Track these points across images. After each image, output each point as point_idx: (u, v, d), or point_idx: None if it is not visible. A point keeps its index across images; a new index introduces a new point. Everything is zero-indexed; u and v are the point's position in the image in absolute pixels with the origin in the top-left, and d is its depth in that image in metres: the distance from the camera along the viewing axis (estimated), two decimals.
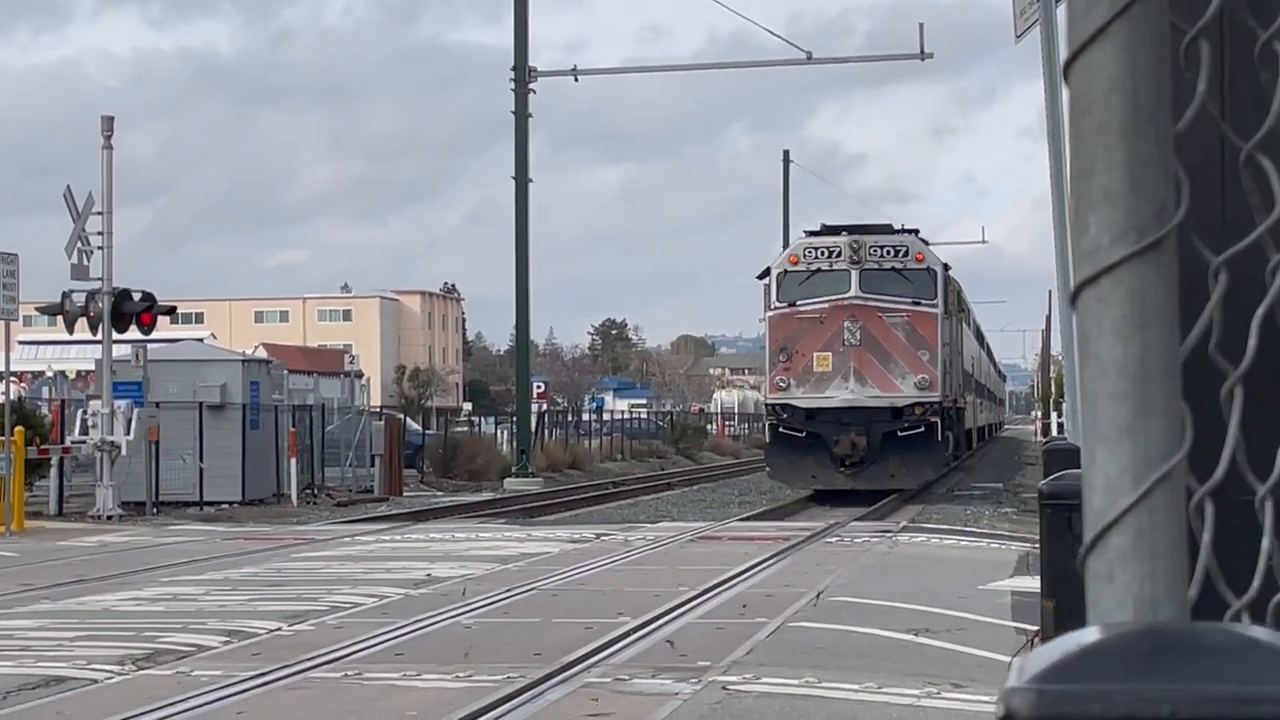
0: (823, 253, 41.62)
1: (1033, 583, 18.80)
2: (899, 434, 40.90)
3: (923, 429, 41.13)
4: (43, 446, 34.47)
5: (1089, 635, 1.39)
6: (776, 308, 41.85)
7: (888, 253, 41.64)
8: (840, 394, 40.79)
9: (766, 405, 43.23)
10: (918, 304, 41.37)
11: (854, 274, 41.03)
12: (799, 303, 41.36)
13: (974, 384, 58.40)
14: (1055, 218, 8.95)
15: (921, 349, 41.06)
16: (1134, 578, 1.44)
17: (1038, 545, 24.02)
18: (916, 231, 44.36)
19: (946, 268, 43.41)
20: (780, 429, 41.57)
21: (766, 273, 42.54)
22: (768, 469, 44.30)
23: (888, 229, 43.69)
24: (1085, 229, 1.42)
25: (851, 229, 42.79)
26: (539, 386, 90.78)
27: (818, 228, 43.56)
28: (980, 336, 70.26)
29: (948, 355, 43.06)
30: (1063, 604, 6.72)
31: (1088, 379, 1.47)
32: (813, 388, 40.96)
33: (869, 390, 40.76)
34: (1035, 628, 14.11)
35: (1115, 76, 1.41)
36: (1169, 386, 1.41)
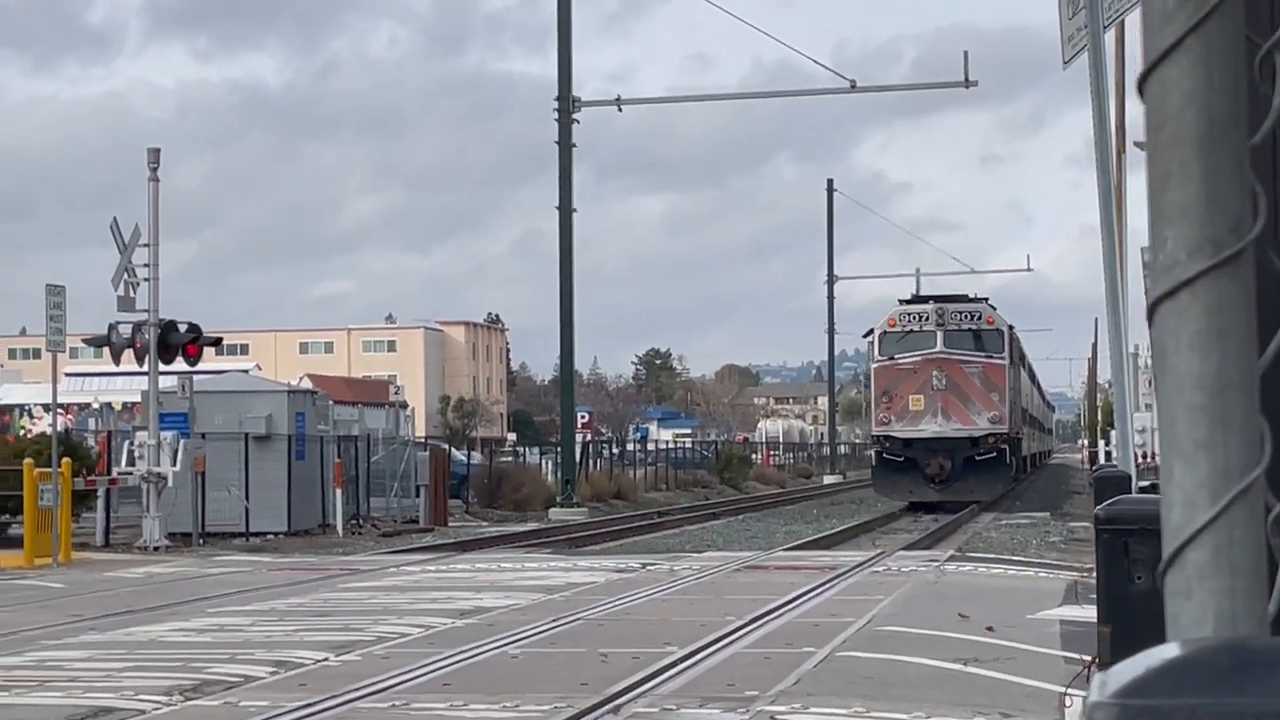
0: (914, 317, 53.90)
1: (1082, 612, 18.71)
2: (976, 458, 52.49)
3: (994, 454, 52.89)
4: (89, 478, 34.61)
5: (1169, 651, 1.38)
6: (879, 360, 54.22)
7: (965, 317, 53.77)
8: (930, 427, 52.57)
9: (872, 437, 56.08)
10: (990, 357, 53.23)
11: (939, 334, 53.10)
12: (896, 356, 53.27)
13: (1028, 417, 68.19)
14: (1105, 243, 8.91)
15: (993, 392, 53.01)
16: (1212, 594, 1.43)
17: (1085, 574, 23.93)
18: (987, 299, 56.25)
19: (1011, 328, 55.50)
20: (884, 455, 53.94)
21: (870, 332, 55.33)
22: (874, 486, 57.23)
23: (965, 298, 56.11)
24: (1162, 244, 1.42)
25: (936, 299, 55.61)
26: (583, 416, 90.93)
27: (912, 298, 56.59)
28: (1032, 374, 78.92)
29: (1012, 396, 54.64)
30: (1119, 628, 6.69)
31: (1165, 393, 1.46)
32: (909, 423, 52.76)
33: (953, 424, 52.57)
34: (1087, 656, 14.04)
35: (1190, 91, 1.41)
36: (1247, 400, 1.40)
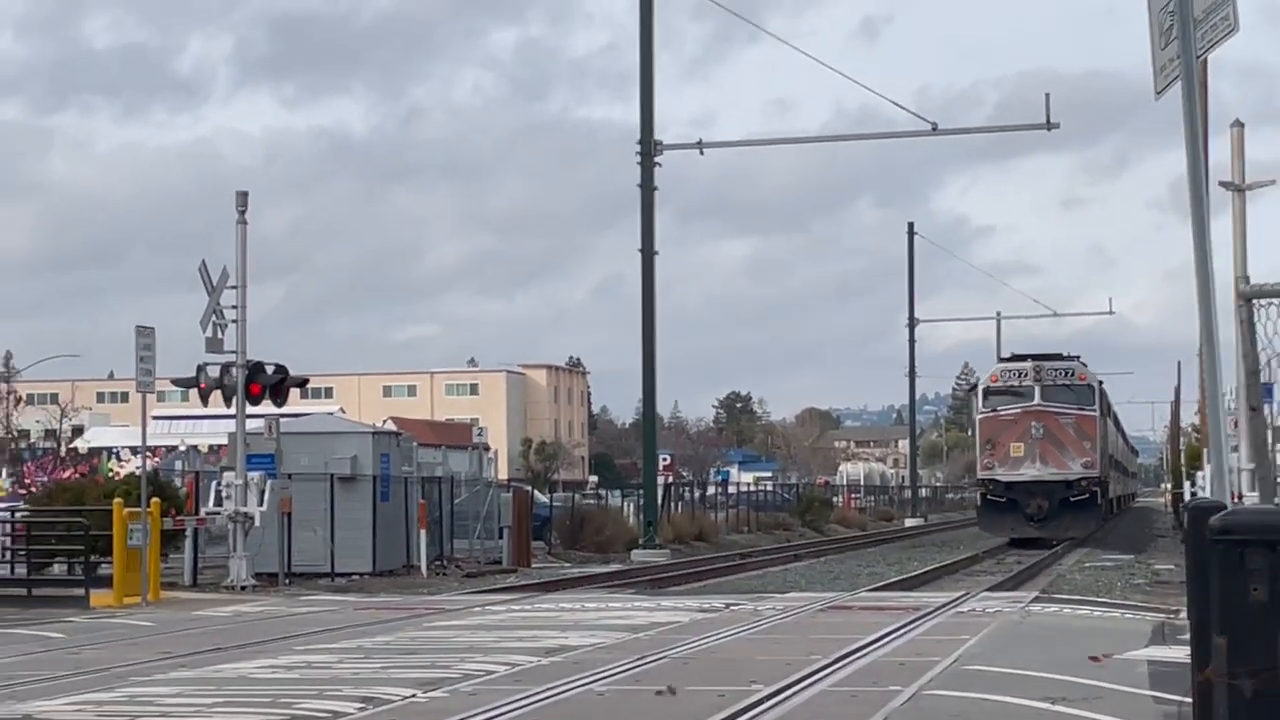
0: (1014, 374, 61.36)
1: (1170, 652, 18.59)
2: (1070, 499, 59.54)
3: (1086, 496, 59.98)
4: (178, 518, 34.89)
5: None
6: (983, 412, 61.65)
7: (1059, 374, 60.98)
8: (1030, 472, 59.52)
9: (979, 480, 62.49)
10: (1082, 409, 60.42)
11: (1037, 388, 60.30)
12: (999, 409, 60.60)
13: (1115, 462, 73.98)
14: (1199, 283, 8.87)
15: (1085, 440, 60.01)
16: None
17: (1173, 615, 23.75)
18: (1079, 357, 63.30)
19: (1100, 383, 63.09)
20: (988, 496, 60.98)
21: (974, 387, 66.68)
22: (979, 524, 64.89)
23: (1060, 356, 62.97)
24: None
25: (1034, 357, 62.35)
26: (665, 459, 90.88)
27: (1012, 356, 64.20)
28: (1117, 422, 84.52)
29: (1101, 444, 61.28)
30: (1236, 639, 6.68)
31: None
32: (1010, 467, 59.77)
33: (1050, 469, 59.55)
34: (1176, 697, 13.95)
35: None
36: None
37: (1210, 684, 6.90)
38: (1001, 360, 65.24)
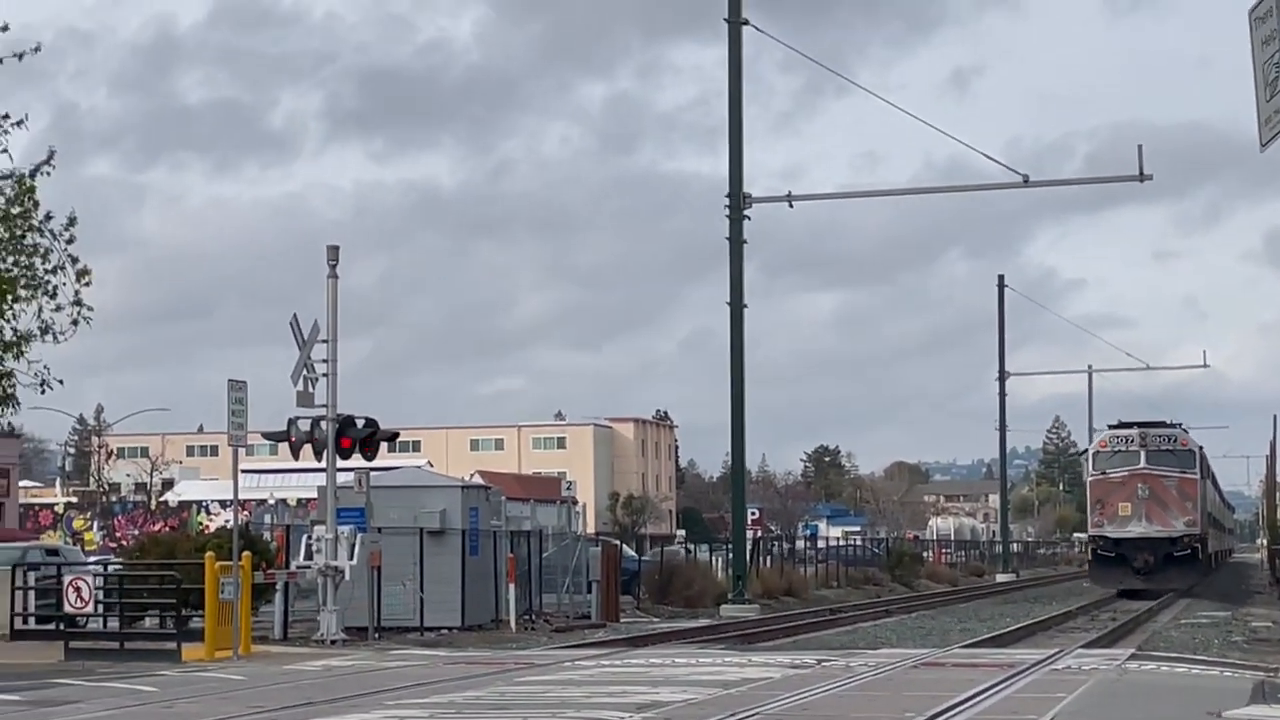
0: (1122, 440, 67.37)
1: (1270, 711, 18.30)
2: (1173, 554, 65.16)
3: (1188, 551, 65.62)
4: (269, 571, 34.99)
5: None
6: (1093, 475, 67.87)
7: (1163, 440, 67.06)
8: (1136, 529, 65.34)
9: (1090, 536, 69.08)
10: (1184, 472, 66.21)
11: (1142, 453, 66.26)
12: (1108, 472, 66.65)
13: (1213, 520, 77.51)
14: None
15: (1187, 501, 65.81)
16: None
17: (1272, 673, 23.38)
18: (1181, 424, 69.92)
19: (1201, 448, 69.32)
20: (1098, 551, 67.21)
21: (1084, 452, 75.08)
22: (1090, 577, 71.88)
23: (1163, 424, 69.22)
24: None
25: (1139, 425, 68.52)
26: (753, 513, 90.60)
27: (1120, 424, 69.42)
28: (1215, 482, 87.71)
29: (1201, 504, 66.93)
30: None
31: None
32: (1118, 525, 65.76)
33: (1155, 527, 65.29)
34: None
35: None
36: None
37: None
38: (1110, 427, 70.74)
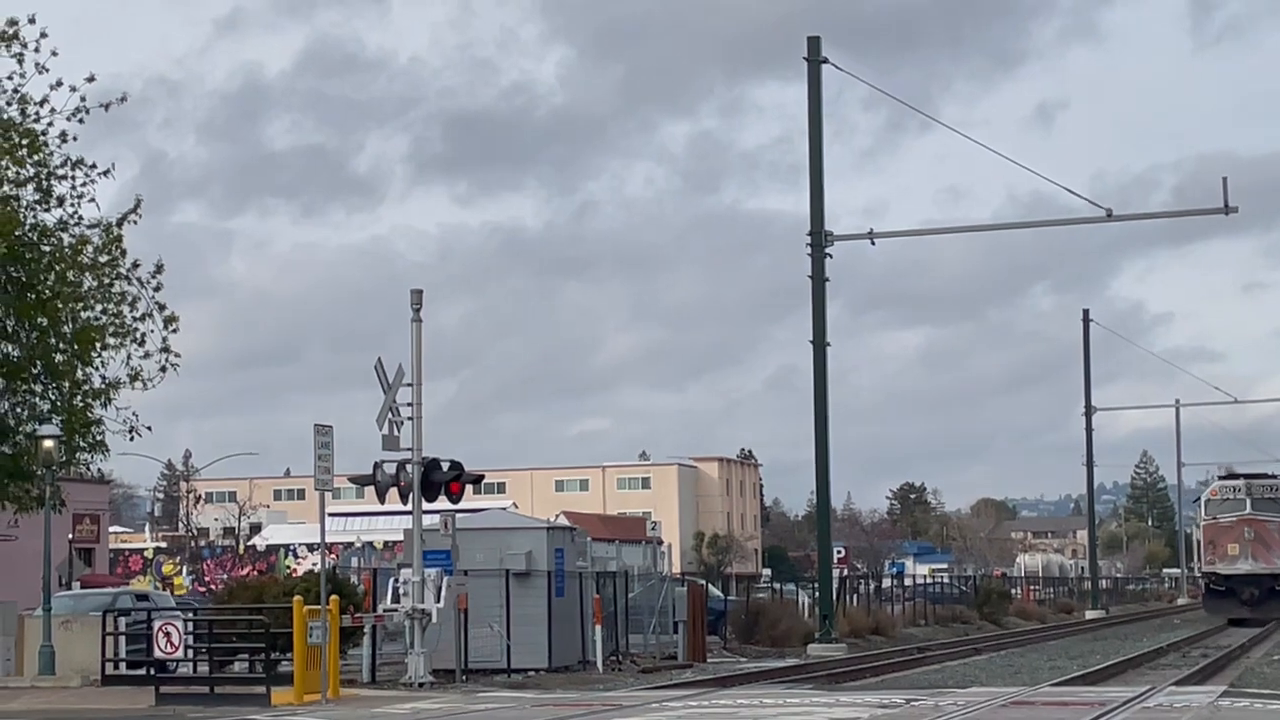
0: (1230, 489, 79.28)
1: None
2: (1276, 588, 75.63)
3: None
4: (356, 615, 35.13)
5: None
6: (1206, 519, 79.08)
7: (1266, 489, 78.43)
8: (1244, 567, 76.35)
9: (1203, 573, 79.96)
10: None
11: (1248, 500, 77.32)
12: (1218, 517, 77.83)
13: None
14: None
15: None
16: None
17: None
18: None
19: None
20: (1211, 586, 78.48)
21: (1197, 499, 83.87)
22: (1204, 607, 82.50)
23: (1267, 475, 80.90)
24: None
25: (1246, 476, 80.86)
26: (839, 551, 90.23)
27: (1228, 475, 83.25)
28: None
29: None
30: None
31: None
32: (1228, 563, 76.77)
33: (1259, 565, 76.19)
34: None
35: None
36: None
37: None
38: (1220, 478, 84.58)
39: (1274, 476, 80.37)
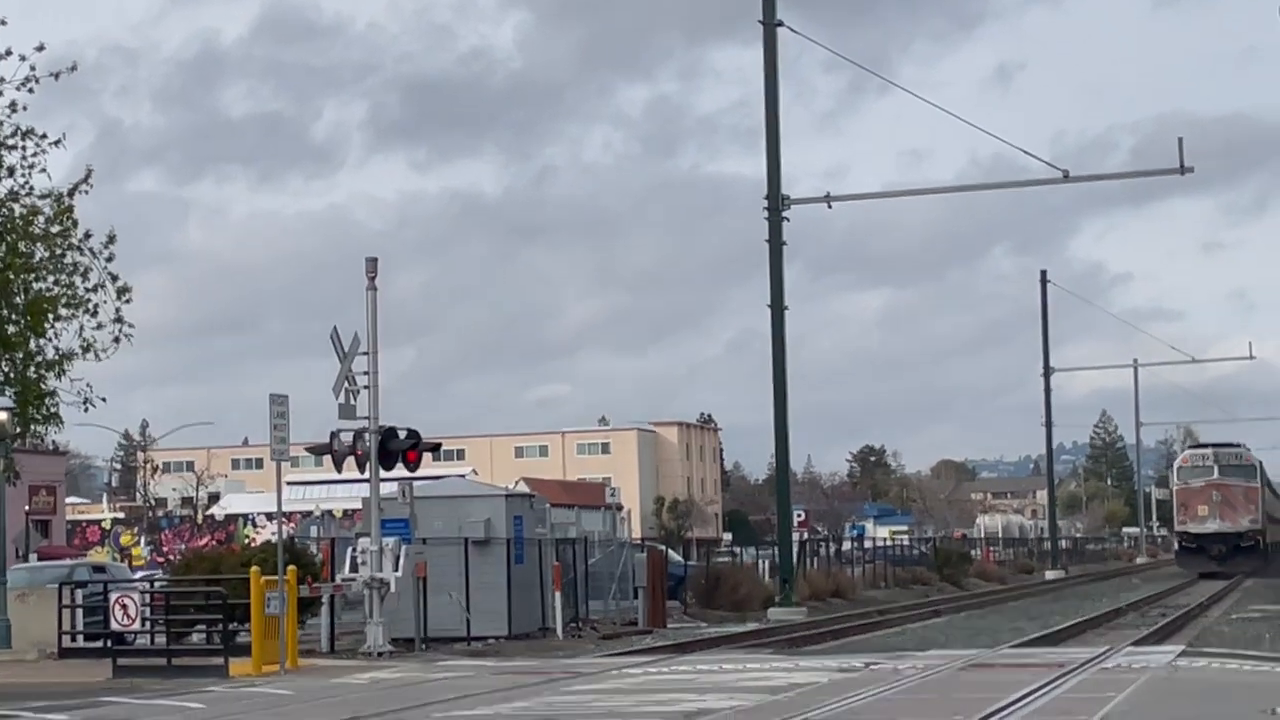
0: (1199, 457, 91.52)
1: None
2: (1241, 545, 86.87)
3: (1253, 543, 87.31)
4: (314, 584, 34.98)
5: None
6: (1177, 484, 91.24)
7: (1231, 456, 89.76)
8: (1212, 526, 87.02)
9: (1176, 532, 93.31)
10: (1248, 482, 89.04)
11: (1215, 467, 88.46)
12: (1189, 482, 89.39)
13: (1270, 518, 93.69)
14: None
15: (1250, 504, 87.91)
16: None
17: None
18: (1244, 444, 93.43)
19: (1260, 463, 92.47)
20: (1183, 544, 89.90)
21: (1170, 466, 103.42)
22: (1177, 562, 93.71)
23: (1232, 445, 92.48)
24: None
25: (1213, 445, 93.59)
26: (799, 515, 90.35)
27: (1198, 445, 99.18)
28: (1272, 487, 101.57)
29: (1262, 506, 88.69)
30: None
31: None
32: (1198, 523, 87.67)
33: (1225, 524, 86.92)
34: None
35: None
36: None
37: None
38: (1190, 448, 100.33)
39: (1238, 445, 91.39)
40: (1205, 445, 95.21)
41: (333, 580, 36.47)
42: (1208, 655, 28.67)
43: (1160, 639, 37.34)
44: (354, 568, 35.66)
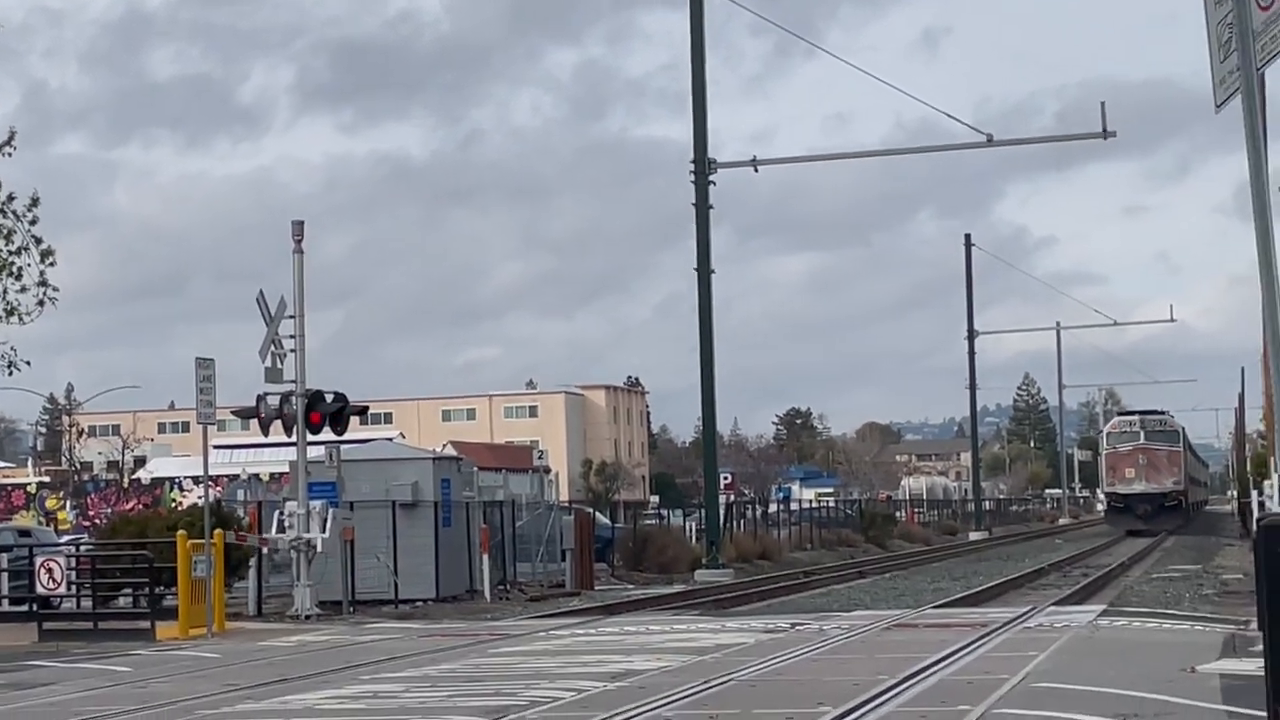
0: (1127, 423, 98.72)
1: (1241, 665, 18.40)
2: (1165, 505, 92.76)
3: (1176, 503, 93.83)
4: (240, 533, 34.92)
5: None
6: (1107, 448, 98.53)
7: (1156, 423, 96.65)
8: (1138, 487, 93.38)
9: (1105, 493, 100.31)
10: (1171, 447, 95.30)
11: (1141, 433, 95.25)
12: (1117, 446, 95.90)
13: (1191, 479, 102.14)
14: (1264, 288, 8.76)
15: (1174, 466, 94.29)
16: None
17: (1243, 626, 23.49)
18: (1168, 412, 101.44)
19: (1183, 428, 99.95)
20: (1112, 504, 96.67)
21: (1100, 432, 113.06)
22: (1105, 521, 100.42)
23: (1157, 412, 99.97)
24: None
25: (1140, 413, 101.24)
26: (726, 477, 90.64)
27: (1125, 411, 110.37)
28: (1192, 450, 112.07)
29: (1184, 469, 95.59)
30: None
31: None
32: (1125, 484, 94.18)
33: (1151, 485, 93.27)
34: (1250, 711, 13.78)
35: None
36: None
37: None
38: (1118, 414, 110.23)
39: (1163, 413, 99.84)
40: (1132, 412, 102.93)
41: (260, 548, 36.38)
42: (1128, 615, 29.04)
43: (1082, 599, 37.79)
44: (281, 530, 35.66)
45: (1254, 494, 69.50)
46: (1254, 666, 15.09)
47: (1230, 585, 39.60)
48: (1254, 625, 22.07)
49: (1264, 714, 7.94)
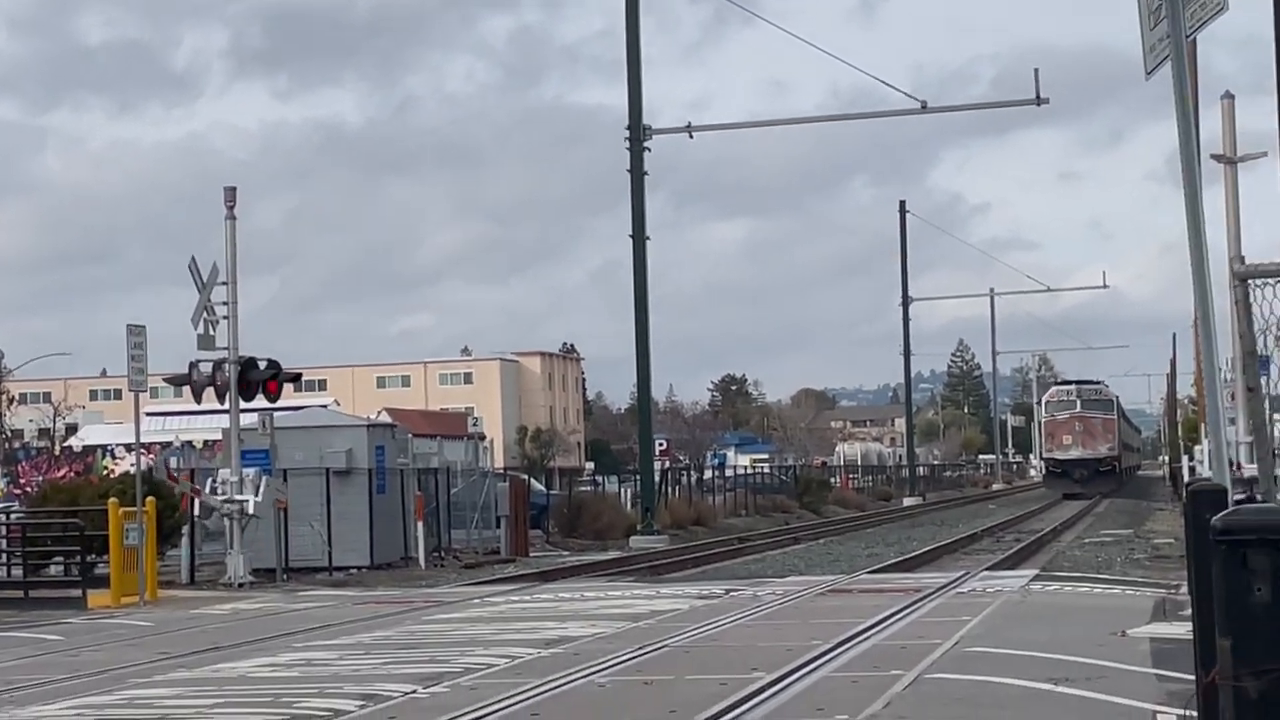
0: (1064, 392, 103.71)
1: (1171, 629, 18.54)
2: (1100, 470, 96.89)
3: (1110, 468, 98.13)
4: (173, 475, 34.72)
5: None
6: (1046, 416, 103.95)
7: (1092, 392, 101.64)
8: (1075, 453, 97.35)
9: (1043, 459, 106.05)
10: (1106, 415, 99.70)
11: (1078, 401, 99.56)
12: (1055, 414, 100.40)
13: (1125, 445, 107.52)
14: (1193, 254, 8.80)
15: (1109, 433, 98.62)
16: None
17: (1173, 590, 23.69)
18: (1103, 382, 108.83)
19: (1117, 397, 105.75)
20: (1049, 469, 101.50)
21: (1039, 400, 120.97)
22: (1044, 486, 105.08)
23: (1092, 382, 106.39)
24: None
25: (1076, 383, 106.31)
26: (661, 444, 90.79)
27: (1062, 381, 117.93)
28: (1125, 418, 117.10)
29: (1118, 435, 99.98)
30: (1240, 641, 6.59)
31: None
32: (1063, 450, 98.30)
33: (1087, 451, 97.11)
34: (1179, 674, 13.90)
35: None
36: None
37: (1216, 687, 6.83)
38: (1056, 384, 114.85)
39: (1099, 383, 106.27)
40: (1070, 382, 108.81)
41: (193, 512, 36.26)
42: (1060, 579, 29.26)
43: (1014, 564, 38.04)
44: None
45: (1185, 459, 70.09)
46: (1183, 630, 15.20)
47: (1161, 550, 39.92)
48: (1184, 589, 22.27)
49: (1193, 677, 7.98)
